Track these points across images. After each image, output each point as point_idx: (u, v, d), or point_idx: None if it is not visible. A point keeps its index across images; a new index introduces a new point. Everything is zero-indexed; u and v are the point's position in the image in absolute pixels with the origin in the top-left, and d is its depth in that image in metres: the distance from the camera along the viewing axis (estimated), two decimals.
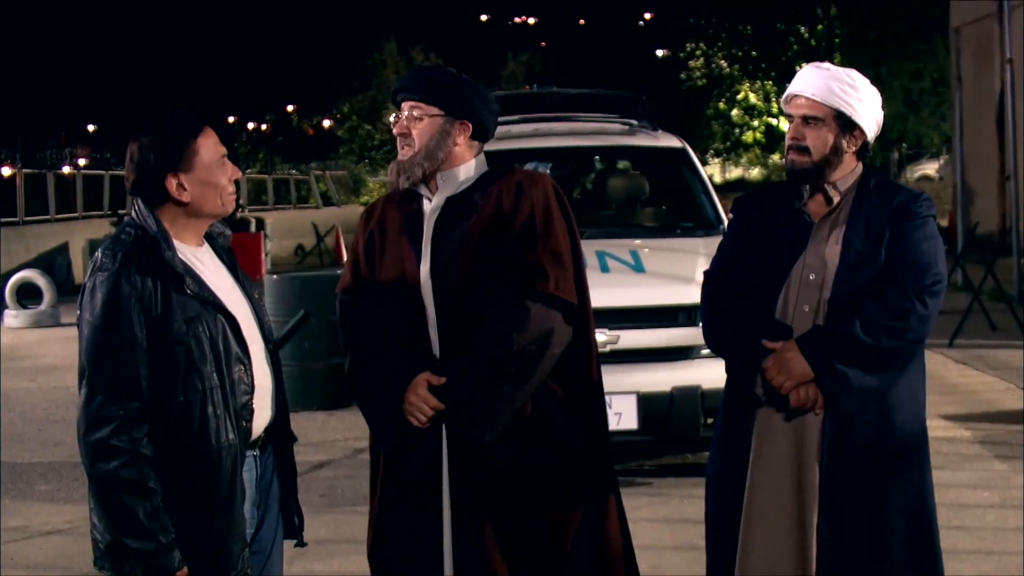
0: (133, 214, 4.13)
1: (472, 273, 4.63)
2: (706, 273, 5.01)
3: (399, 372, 4.68)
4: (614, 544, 4.85)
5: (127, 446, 3.92)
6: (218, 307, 4.09)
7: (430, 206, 4.79)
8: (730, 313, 4.83)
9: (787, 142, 4.81)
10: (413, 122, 4.73)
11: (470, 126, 4.76)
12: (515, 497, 4.65)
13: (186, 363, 3.99)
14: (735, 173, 71.39)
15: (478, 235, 4.66)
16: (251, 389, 4.14)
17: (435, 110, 4.71)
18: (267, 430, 4.30)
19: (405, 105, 4.76)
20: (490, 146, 10.87)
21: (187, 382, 4.00)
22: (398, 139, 4.77)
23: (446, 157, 4.74)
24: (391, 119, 4.87)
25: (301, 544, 4.55)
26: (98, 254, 4.06)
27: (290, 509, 4.48)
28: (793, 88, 4.83)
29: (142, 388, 3.95)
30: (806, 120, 4.76)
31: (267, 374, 4.29)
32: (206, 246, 4.26)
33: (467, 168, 4.79)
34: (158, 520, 3.95)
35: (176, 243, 4.10)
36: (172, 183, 4.09)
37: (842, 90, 4.75)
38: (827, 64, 4.88)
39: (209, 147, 4.14)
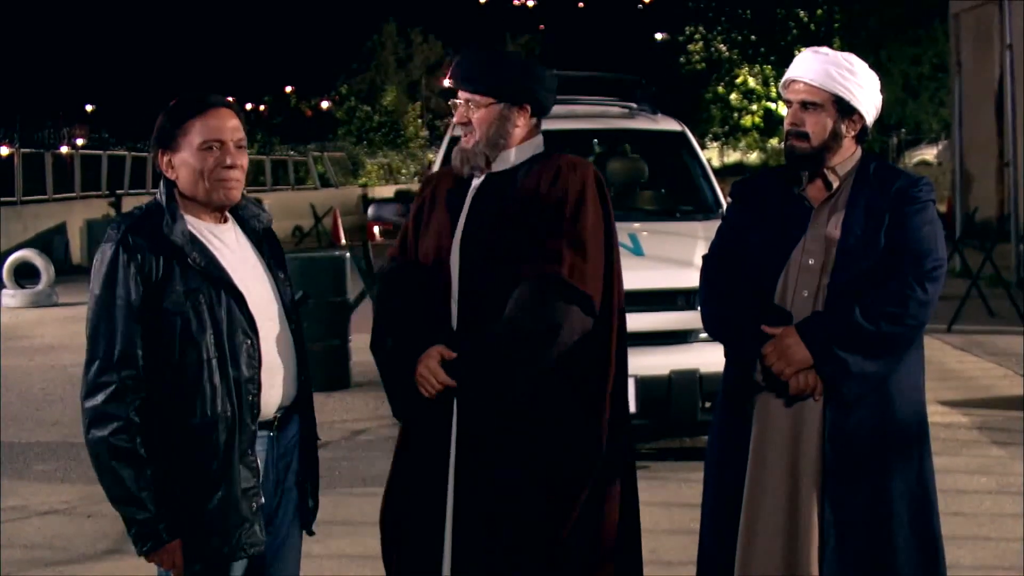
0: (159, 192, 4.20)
1: (497, 251, 4.66)
2: (705, 258, 5.00)
3: (418, 343, 4.72)
4: (611, 531, 4.85)
5: (120, 413, 3.95)
6: (223, 282, 4.09)
7: (478, 181, 4.82)
8: (729, 299, 4.83)
9: (786, 127, 4.80)
10: (471, 111, 4.75)
11: (528, 108, 4.79)
12: (517, 478, 4.65)
13: (183, 334, 4.01)
14: (733, 157, 71.38)
15: (510, 214, 4.69)
16: (258, 364, 4.14)
17: (489, 99, 4.73)
18: (286, 410, 4.29)
19: (461, 95, 4.79)
20: None
21: (184, 353, 4.01)
22: (460, 127, 4.80)
23: (507, 142, 4.77)
24: (451, 104, 4.89)
25: (309, 532, 4.51)
26: (109, 227, 4.11)
27: (305, 494, 4.45)
28: (791, 73, 4.82)
29: (137, 357, 3.98)
30: (804, 105, 4.75)
31: (283, 351, 4.27)
32: (231, 224, 4.28)
33: (522, 149, 4.82)
34: (147, 489, 3.97)
35: (191, 218, 4.14)
36: (162, 160, 4.16)
37: (840, 75, 4.73)
38: (825, 49, 4.86)
39: (204, 129, 4.12)
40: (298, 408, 4.37)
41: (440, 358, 4.66)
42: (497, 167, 4.80)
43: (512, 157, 4.81)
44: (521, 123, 4.79)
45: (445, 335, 4.72)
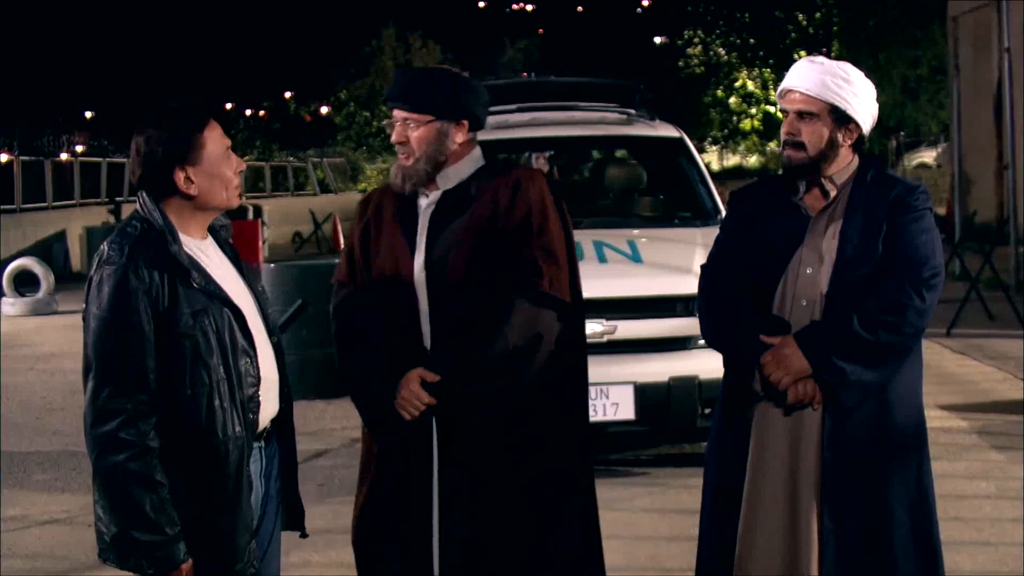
0: (138, 207, 4.14)
1: (467, 268, 4.66)
2: (703, 267, 5.01)
3: (390, 365, 4.73)
4: (586, 537, 4.90)
5: (135, 439, 3.93)
6: (224, 300, 4.10)
7: (426, 200, 4.80)
8: (728, 307, 4.84)
9: (782, 137, 4.81)
10: (409, 130, 4.74)
11: (466, 123, 4.78)
12: (498, 490, 4.69)
13: (193, 356, 4.01)
14: (733, 161, 71.38)
15: (474, 230, 4.69)
16: (257, 381, 4.16)
17: (428, 117, 4.72)
18: (273, 422, 4.32)
19: (397, 114, 4.77)
20: (488, 135, 10.93)
21: (194, 375, 4.01)
22: (397, 146, 4.78)
23: (447, 157, 4.75)
24: (385, 125, 4.89)
25: (304, 535, 4.56)
26: (104, 247, 4.07)
27: (293, 499, 4.50)
28: (787, 83, 4.82)
29: (150, 381, 3.97)
30: (801, 115, 4.75)
31: (272, 366, 4.30)
32: (210, 239, 4.27)
33: (464, 164, 4.81)
34: (165, 512, 3.97)
35: (181, 236, 4.11)
36: (180, 176, 4.10)
37: (836, 84, 4.74)
38: (821, 58, 4.87)
39: (215, 139, 4.14)
40: (281, 420, 4.40)
41: (420, 380, 4.67)
42: (444, 185, 4.80)
43: (457, 173, 4.80)
44: (459, 139, 4.77)
45: (418, 356, 4.72)
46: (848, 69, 4.78)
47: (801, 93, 4.75)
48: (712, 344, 5.01)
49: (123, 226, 4.13)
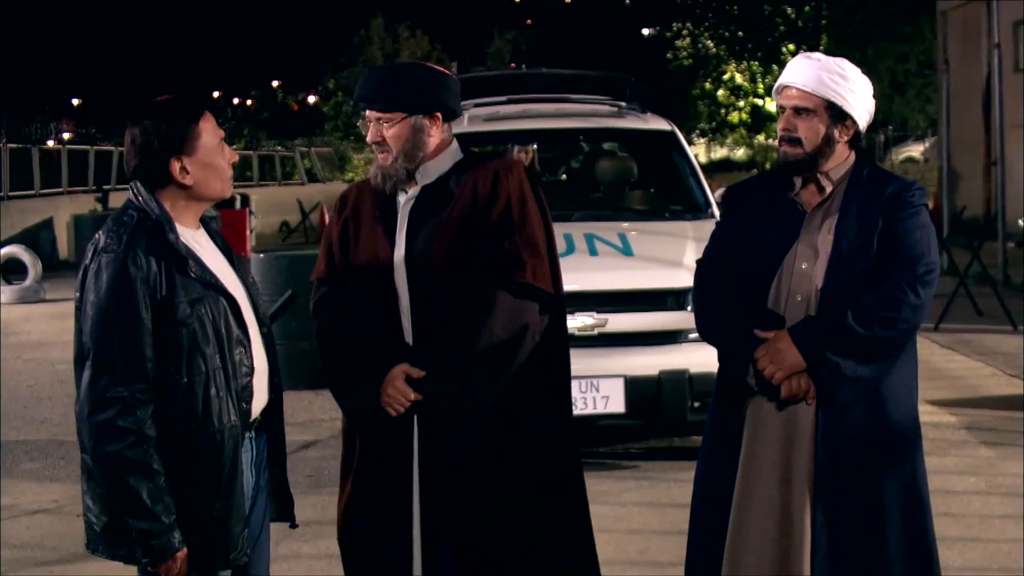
0: (133, 197, 4.14)
1: (448, 261, 4.66)
2: (698, 262, 5.02)
3: (373, 361, 4.73)
4: (577, 530, 4.90)
5: (133, 427, 3.94)
6: (219, 289, 4.12)
7: (405, 196, 4.80)
8: (722, 302, 4.85)
9: (779, 133, 4.82)
10: (383, 129, 4.73)
11: (440, 116, 4.76)
12: (485, 484, 4.70)
13: (190, 345, 4.02)
14: (720, 153, 71.45)
15: (454, 223, 4.69)
16: (251, 371, 4.18)
17: (400, 114, 4.71)
18: (262, 412, 4.33)
19: (370, 114, 4.76)
20: (479, 127, 10.90)
21: (191, 364, 4.02)
22: (373, 146, 4.78)
23: (425, 153, 4.75)
24: (359, 125, 4.88)
25: (294, 525, 4.58)
26: (100, 236, 4.08)
27: (282, 490, 4.51)
28: (784, 79, 4.83)
29: (147, 370, 3.98)
30: (797, 111, 4.76)
31: (263, 356, 4.32)
32: (202, 229, 4.29)
33: (443, 158, 4.79)
34: (161, 501, 3.98)
35: (177, 226, 4.12)
36: (176, 167, 4.11)
37: (833, 81, 4.75)
38: (818, 54, 4.87)
39: (210, 131, 4.16)
40: (272, 410, 4.41)
41: (404, 376, 4.68)
42: (424, 180, 4.78)
43: (436, 168, 4.79)
44: (435, 132, 4.76)
45: (401, 351, 4.73)
46: (845, 65, 4.79)
47: (798, 89, 4.75)
48: (707, 339, 5.02)
49: (119, 215, 4.14)
